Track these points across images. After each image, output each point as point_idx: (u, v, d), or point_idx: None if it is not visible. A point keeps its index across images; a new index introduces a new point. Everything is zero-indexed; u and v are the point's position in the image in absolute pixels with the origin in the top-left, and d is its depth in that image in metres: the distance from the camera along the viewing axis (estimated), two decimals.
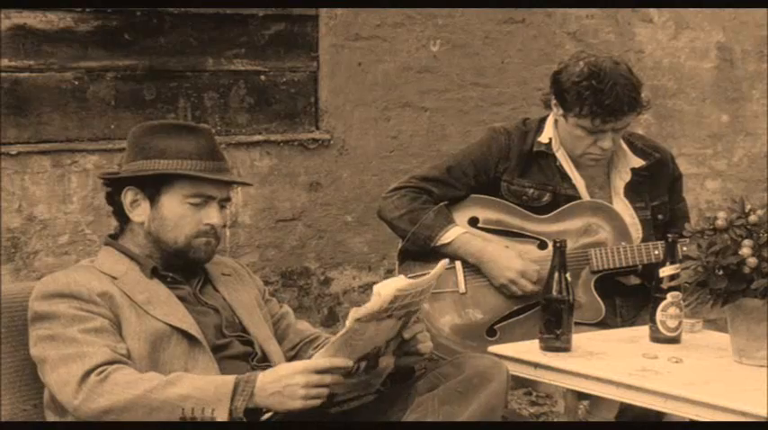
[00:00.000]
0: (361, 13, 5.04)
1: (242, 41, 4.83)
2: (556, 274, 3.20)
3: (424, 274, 2.96)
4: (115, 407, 2.73)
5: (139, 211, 3.02)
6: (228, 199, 3.09)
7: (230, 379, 2.76)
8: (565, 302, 3.18)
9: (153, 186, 3.00)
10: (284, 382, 2.73)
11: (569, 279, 3.21)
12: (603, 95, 3.72)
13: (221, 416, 2.70)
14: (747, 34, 5.95)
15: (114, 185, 3.06)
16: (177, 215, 2.99)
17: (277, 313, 3.25)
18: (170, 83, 4.70)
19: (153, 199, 3.00)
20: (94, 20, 4.54)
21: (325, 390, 2.75)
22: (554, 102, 3.84)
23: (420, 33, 5.18)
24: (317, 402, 2.75)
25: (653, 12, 5.72)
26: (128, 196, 3.02)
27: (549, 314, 3.18)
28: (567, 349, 3.18)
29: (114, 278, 2.96)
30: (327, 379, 2.74)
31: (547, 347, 3.18)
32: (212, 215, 3.01)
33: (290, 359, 3.12)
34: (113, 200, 3.07)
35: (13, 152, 4.41)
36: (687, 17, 5.81)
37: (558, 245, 3.23)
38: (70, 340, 2.81)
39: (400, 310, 2.84)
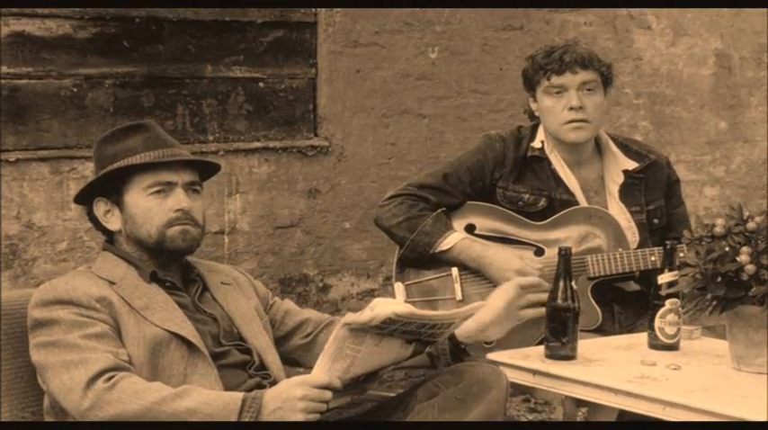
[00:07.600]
0: (359, 20, 5.04)
1: (240, 48, 4.82)
2: (561, 282, 3.17)
3: (432, 300, 2.96)
4: (123, 417, 2.73)
5: (114, 220, 3.05)
6: (196, 182, 3.08)
7: (238, 395, 2.75)
8: (570, 310, 3.16)
9: (115, 190, 3.03)
10: (284, 396, 2.73)
11: (575, 287, 3.19)
12: (555, 52, 3.84)
13: None
14: (745, 41, 5.95)
15: (86, 203, 3.10)
16: (144, 209, 3.01)
17: (282, 311, 3.26)
18: (168, 90, 4.70)
19: (119, 203, 3.03)
20: (93, 27, 4.54)
21: (323, 406, 2.75)
22: (530, 98, 3.90)
23: (418, 40, 5.18)
24: (317, 416, 2.74)
25: (651, 18, 5.72)
26: (99, 208, 3.07)
27: (554, 322, 3.16)
28: (572, 357, 3.17)
29: (112, 283, 2.96)
30: (327, 395, 2.75)
31: (552, 355, 3.17)
32: (179, 200, 3.01)
33: (304, 346, 3.20)
34: (93, 217, 3.10)
35: (12, 159, 4.40)
36: (685, 24, 5.81)
37: (563, 252, 3.20)
38: (71, 346, 2.81)
39: (407, 335, 2.83)
